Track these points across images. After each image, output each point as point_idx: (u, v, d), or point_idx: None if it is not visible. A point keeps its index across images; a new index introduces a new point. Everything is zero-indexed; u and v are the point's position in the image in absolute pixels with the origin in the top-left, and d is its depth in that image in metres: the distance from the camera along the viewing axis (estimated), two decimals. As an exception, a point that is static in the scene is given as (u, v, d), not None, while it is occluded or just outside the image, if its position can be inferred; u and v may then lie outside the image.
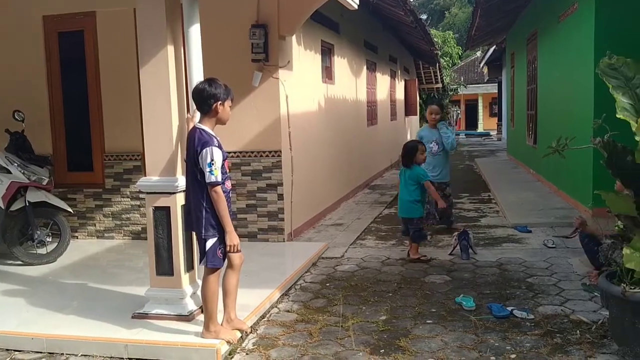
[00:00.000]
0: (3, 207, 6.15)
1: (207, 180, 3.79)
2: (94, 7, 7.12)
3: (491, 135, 31.73)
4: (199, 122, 3.97)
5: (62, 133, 7.50)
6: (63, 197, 6.92)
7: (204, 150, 3.78)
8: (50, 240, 6.44)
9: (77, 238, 7.46)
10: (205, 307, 4.05)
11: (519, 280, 5.39)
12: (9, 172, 6.17)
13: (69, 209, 6.57)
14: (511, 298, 4.88)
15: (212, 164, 3.77)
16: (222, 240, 3.92)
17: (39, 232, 6.31)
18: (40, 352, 4.10)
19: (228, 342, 4.00)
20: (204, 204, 3.86)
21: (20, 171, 6.16)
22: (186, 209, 4.12)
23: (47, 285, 5.51)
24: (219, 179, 3.81)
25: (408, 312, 4.65)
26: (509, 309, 4.54)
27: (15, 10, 7.31)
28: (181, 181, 4.31)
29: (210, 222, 3.88)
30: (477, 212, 9.09)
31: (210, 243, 3.91)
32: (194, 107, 4.23)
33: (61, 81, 7.45)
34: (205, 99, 3.88)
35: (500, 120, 28.73)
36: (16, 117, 6.42)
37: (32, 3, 7.24)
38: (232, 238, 3.88)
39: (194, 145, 3.84)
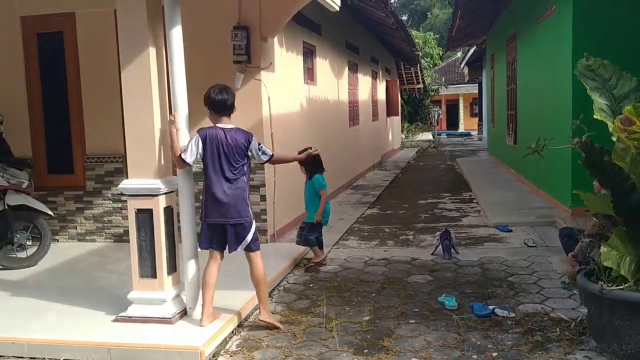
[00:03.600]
0: (-18, 211, 6.08)
1: (268, 156, 4.42)
2: (73, 8, 7.04)
3: (472, 135, 31.97)
4: (218, 123, 4.30)
5: (42, 135, 7.41)
6: (43, 200, 6.82)
7: (253, 138, 4.35)
8: (30, 243, 6.38)
9: (58, 241, 7.37)
10: (264, 292, 4.44)
11: (500, 279, 5.45)
12: (-13, 175, 6.09)
13: (50, 212, 6.48)
14: (493, 297, 4.94)
15: (262, 145, 4.41)
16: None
17: (18, 235, 6.24)
18: (22, 357, 4.06)
19: (276, 327, 4.35)
20: (247, 191, 4.36)
21: (-1, 174, 6.09)
22: (228, 203, 4.25)
23: (27, 289, 5.44)
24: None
25: (391, 312, 4.68)
26: (491, 307, 4.59)
27: (-8, 11, 7.22)
28: (164, 183, 4.30)
29: (250, 207, 4.39)
30: (459, 212, 9.17)
31: (253, 227, 4.36)
32: (180, 110, 4.30)
33: (40, 83, 7.36)
34: (230, 106, 4.36)
35: (480, 120, 28.97)
36: (-6, 119, 6.34)
37: (9, 4, 7.13)
38: None
39: (238, 139, 4.27)
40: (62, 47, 7.21)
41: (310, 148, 5.19)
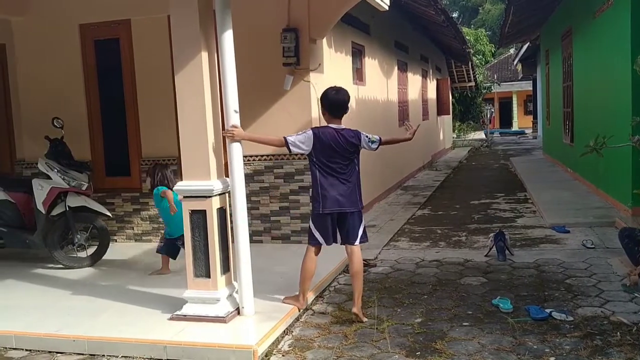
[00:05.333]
0: (44, 212, 6.32)
1: (378, 142, 4.66)
2: (128, 15, 7.25)
3: (526, 134, 31.22)
4: (331, 123, 4.53)
5: (100, 139, 7.66)
6: (102, 202, 7.04)
7: (362, 134, 4.60)
8: (90, 244, 6.59)
9: (116, 241, 7.60)
10: (361, 284, 4.60)
11: (558, 281, 5.30)
12: (49, 178, 6.33)
13: (108, 213, 6.69)
14: (550, 300, 4.81)
15: (369, 135, 4.65)
16: None
17: (79, 236, 6.45)
18: (82, 354, 4.21)
19: (361, 321, 4.49)
20: (358, 184, 4.60)
21: (60, 177, 6.31)
22: (343, 195, 4.51)
23: (87, 288, 5.63)
24: None
25: (444, 315, 4.62)
26: (548, 310, 4.47)
27: (52, 20, 7.49)
28: (216, 185, 4.37)
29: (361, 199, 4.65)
30: (513, 213, 8.96)
31: (364, 220, 4.66)
32: (231, 113, 4.37)
33: (98, 88, 7.61)
34: (346, 107, 4.61)
35: (535, 118, 28.22)
36: (55, 124, 6.56)
37: (68, 12, 7.40)
38: None
39: (349, 137, 4.50)
40: (119, 53, 7.42)
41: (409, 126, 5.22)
